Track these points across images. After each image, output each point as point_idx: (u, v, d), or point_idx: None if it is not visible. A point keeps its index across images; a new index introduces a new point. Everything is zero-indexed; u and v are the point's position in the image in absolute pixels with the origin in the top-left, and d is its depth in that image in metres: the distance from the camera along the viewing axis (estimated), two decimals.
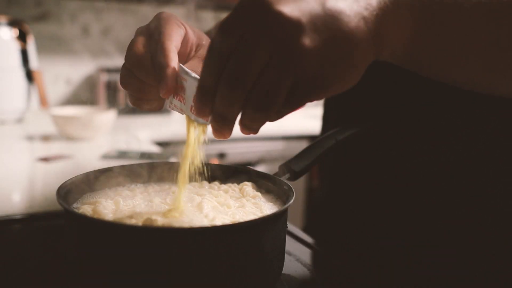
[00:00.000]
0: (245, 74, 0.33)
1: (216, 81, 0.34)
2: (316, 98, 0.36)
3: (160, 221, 0.40)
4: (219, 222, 0.42)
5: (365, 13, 0.36)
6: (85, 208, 0.45)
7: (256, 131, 0.37)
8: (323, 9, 0.34)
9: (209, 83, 0.35)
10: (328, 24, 0.34)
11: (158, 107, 0.47)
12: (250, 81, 0.33)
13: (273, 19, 0.32)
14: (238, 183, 0.55)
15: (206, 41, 0.49)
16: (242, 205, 0.47)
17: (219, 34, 0.34)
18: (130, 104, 0.52)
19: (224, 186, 0.54)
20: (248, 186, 0.53)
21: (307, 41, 0.33)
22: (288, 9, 0.32)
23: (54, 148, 1.20)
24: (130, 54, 0.44)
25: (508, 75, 0.42)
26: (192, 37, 0.48)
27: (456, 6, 0.39)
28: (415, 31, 0.39)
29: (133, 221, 0.42)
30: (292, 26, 0.32)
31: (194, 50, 0.48)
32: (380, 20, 0.37)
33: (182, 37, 0.46)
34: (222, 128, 0.37)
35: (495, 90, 0.46)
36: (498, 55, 0.41)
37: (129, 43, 0.46)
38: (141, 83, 0.45)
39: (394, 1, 0.38)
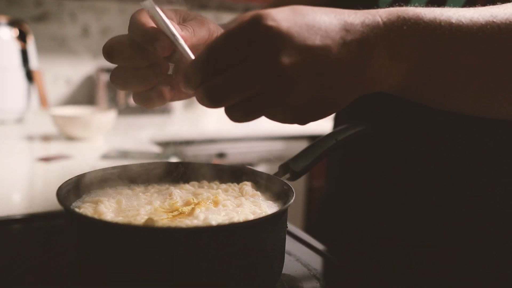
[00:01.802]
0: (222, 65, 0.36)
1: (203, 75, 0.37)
2: (271, 114, 0.37)
3: (161, 221, 0.40)
4: (218, 221, 0.42)
5: (356, 53, 0.36)
6: (86, 208, 0.45)
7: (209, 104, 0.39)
8: (315, 33, 0.35)
9: (197, 74, 0.38)
10: (314, 50, 0.34)
11: (159, 100, 0.46)
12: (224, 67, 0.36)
13: (263, 31, 0.34)
14: (238, 183, 0.55)
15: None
16: (241, 203, 0.47)
17: (221, 41, 0.35)
18: (133, 102, 0.54)
19: (223, 186, 0.54)
20: (247, 186, 0.53)
21: (285, 58, 0.34)
22: (278, 25, 0.34)
23: (54, 148, 1.20)
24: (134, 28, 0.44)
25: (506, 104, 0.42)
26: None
27: (451, 42, 0.38)
28: (416, 67, 0.38)
29: (135, 221, 0.42)
30: (276, 41, 0.34)
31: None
32: (379, 51, 0.37)
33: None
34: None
35: (498, 116, 0.45)
36: (497, 81, 0.40)
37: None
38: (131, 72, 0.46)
39: (389, 45, 0.37)
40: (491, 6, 0.41)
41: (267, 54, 0.34)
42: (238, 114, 0.38)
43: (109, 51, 0.45)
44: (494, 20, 0.39)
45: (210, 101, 0.38)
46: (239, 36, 0.34)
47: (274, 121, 0.39)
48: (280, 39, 0.34)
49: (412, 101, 0.44)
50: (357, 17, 0.37)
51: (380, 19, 0.37)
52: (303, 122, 0.38)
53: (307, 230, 0.70)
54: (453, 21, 0.38)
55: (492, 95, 0.41)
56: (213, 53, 0.35)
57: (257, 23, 0.34)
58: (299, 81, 0.34)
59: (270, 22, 0.33)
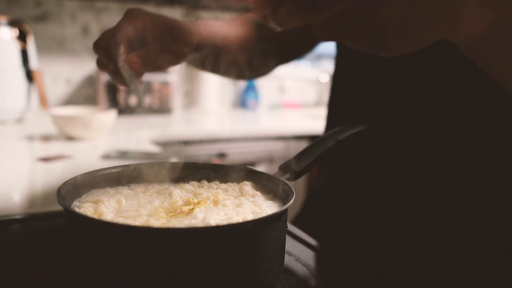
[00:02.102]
0: None
1: None
2: (357, 34, 0.37)
3: (160, 221, 0.40)
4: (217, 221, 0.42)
5: None
6: (86, 207, 0.45)
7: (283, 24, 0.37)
8: None
9: None
10: None
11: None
12: None
13: None
14: (238, 183, 0.55)
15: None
16: (241, 203, 0.47)
17: None
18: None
19: (223, 185, 0.54)
20: (247, 186, 0.53)
21: None
22: None
23: (54, 148, 1.20)
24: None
25: None
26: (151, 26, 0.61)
27: None
28: (495, 26, 0.39)
29: (134, 221, 0.42)
30: None
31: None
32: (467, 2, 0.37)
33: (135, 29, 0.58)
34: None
35: None
36: None
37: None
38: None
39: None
40: None
41: None
42: (326, 29, 0.36)
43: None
44: None
45: (304, 12, 0.35)
46: None
47: (356, 47, 0.38)
48: None
49: (479, 65, 0.44)
50: None
51: None
52: (385, 48, 0.38)
53: (297, 225, 0.69)
54: None
55: None
56: None
57: None
58: (390, 1, 0.35)
59: None
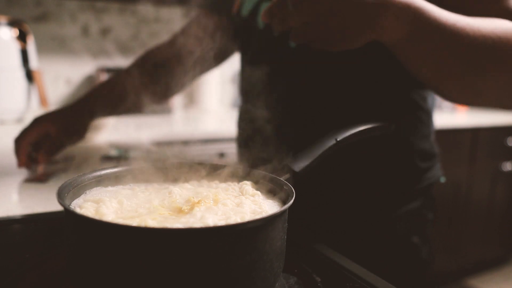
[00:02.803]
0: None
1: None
2: (315, 35, 0.59)
3: (158, 221, 0.40)
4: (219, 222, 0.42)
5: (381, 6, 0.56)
6: (87, 207, 0.45)
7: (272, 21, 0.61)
8: None
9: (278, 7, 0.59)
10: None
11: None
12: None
13: None
14: (238, 182, 0.55)
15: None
16: (241, 202, 0.47)
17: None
18: None
19: (223, 185, 0.54)
20: (247, 185, 0.53)
21: (329, 3, 0.56)
22: None
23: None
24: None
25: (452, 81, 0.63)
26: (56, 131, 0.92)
27: (441, 33, 0.58)
28: (407, 35, 0.58)
29: (135, 221, 0.42)
30: None
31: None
32: (387, 16, 0.57)
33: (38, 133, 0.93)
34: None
35: (439, 88, 0.66)
36: (460, 73, 0.61)
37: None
38: None
39: (405, 7, 0.57)
40: (474, 18, 0.60)
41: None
42: (300, 33, 0.59)
43: None
44: (467, 26, 0.59)
45: (283, 21, 0.59)
46: None
47: (317, 46, 0.60)
48: None
49: (402, 61, 0.64)
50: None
51: None
52: (335, 45, 0.59)
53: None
54: (439, 15, 0.58)
55: (448, 74, 0.62)
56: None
57: None
58: (335, 15, 0.56)
59: None
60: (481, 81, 0.61)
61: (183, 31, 1.04)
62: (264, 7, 0.78)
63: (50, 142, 0.93)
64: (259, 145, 0.65)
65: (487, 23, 0.60)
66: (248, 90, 0.91)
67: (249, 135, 0.76)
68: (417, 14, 0.57)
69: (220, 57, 1.02)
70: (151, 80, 0.99)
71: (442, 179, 0.87)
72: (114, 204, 0.46)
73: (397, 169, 0.79)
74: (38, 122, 0.92)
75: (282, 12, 0.58)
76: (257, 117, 0.75)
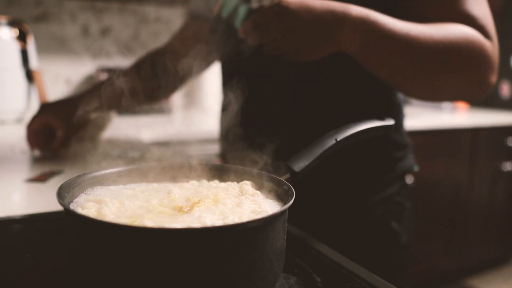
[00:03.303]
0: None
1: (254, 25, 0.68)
2: (285, 49, 0.68)
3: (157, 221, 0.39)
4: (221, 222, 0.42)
5: (336, 20, 0.66)
6: (89, 208, 0.45)
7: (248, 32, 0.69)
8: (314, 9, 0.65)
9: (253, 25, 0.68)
10: (314, 17, 0.65)
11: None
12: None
13: (282, 6, 0.65)
14: (238, 182, 0.55)
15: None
16: (241, 202, 0.47)
17: (263, 13, 0.66)
18: None
19: (223, 184, 0.54)
20: (247, 185, 0.53)
21: (291, 21, 0.65)
22: (288, 4, 0.65)
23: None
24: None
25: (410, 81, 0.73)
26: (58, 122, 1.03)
27: (395, 42, 0.67)
28: (364, 46, 0.67)
29: (134, 221, 0.42)
30: (286, 12, 0.64)
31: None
32: (345, 30, 0.66)
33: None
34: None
35: (400, 87, 0.76)
36: (411, 66, 0.70)
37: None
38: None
39: (360, 22, 0.66)
40: (428, 26, 0.69)
41: (283, 18, 0.64)
42: (271, 48, 0.68)
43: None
44: (420, 34, 0.67)
45: (258, 35, 0.68)
46: (270, 9, 0.65)
47: (287, 57, 0.69)
48: (289, 11, 0.64)
49: (364, 66, 0.72)
50: (339, 6, 0.65)
51: (352, 12, 0.66)
52: (301, 57, 0.68)
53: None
54: (393, 26, 0.67)
55: (405, 76, 0.71)
56: (257, 18, 0.66)
57: (279, 2, 0.65)
58: (300, 31, 0.65)
59: (284, 3, 0.65)
60: (436, 80, 0.70)
61: (175, 36, 1.14)
62: (242, 9, 0.87)
63: (53, 131, 1.03)
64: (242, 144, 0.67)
65: (441, 29, 0.68)
66: (229, 90, 0.95)
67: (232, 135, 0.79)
68: (372, 27, 0.65)
69: (208, 60, 1.09)
70: (143, 80, 1.06)
71: (415, 168, 0.93)
72: (116, 204, 0.46)
73: (373, 159, 0.86)
74: (40, 111, 1.05)
75: (255, 30, 0.67)
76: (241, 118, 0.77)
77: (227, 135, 0.92)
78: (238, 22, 0.86)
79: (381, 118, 0.65)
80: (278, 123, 0.85)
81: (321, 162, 0.76)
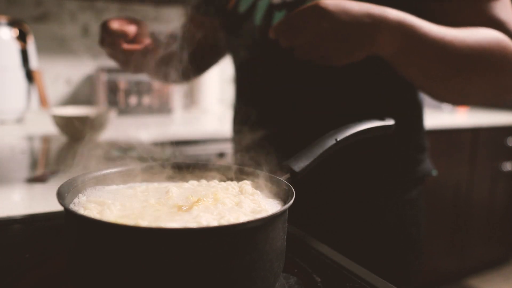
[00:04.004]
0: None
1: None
2: (321, 51, 0.66)
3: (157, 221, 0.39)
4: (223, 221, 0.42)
5: (373, 23, 0.65)
6: (91, 209, 0.45)
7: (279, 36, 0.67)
8: (353, 12, 0.64)
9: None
10: (352, 21, 0.64)
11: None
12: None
13: (319, 8, 0.63)
14: (237, 182, 0.55)
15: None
16: (240, 201, 0.47)
17: (301, 12, 0.65)
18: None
19: (223, 184, 0.54)
20: (247, 185, 0.53)
21: (328, 22, 0.63)
22: (327, 5, 0.63)
23: (54, 148, 1.20)
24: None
25: (451, 89, 0.72)
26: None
27: (430, 46, 0.66)
28: (400, 49, 0.66)
29: (132, 221, 0.42)
30: (325, 13, 0.63)
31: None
32: (382, 33, 0.65)
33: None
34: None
35: (432, 92, 0.74)
36: (445, 72, 0.69)
37: None
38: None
39: (397, 25, 0.65)
40: (460, 30, 0.68)
41: (322, 21, 0.63)
42: (303, 52, 0.66)
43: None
44: (454, 38, 0.67)
45: (290, 38, 0.66)
46: (308, 10, 0.64)
47: (320, 62, 0.67)
48: (327, 12, 0.63)
49: (399, 71, 0.71)
50: (376, 9, 0.65)
51: (389, 15, 0.65)
52: (335, 61, 0.66)
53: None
54: (428, 30, 0.66)
55: (437, 80, 0.70)
56: (293, 19, 0.65)
57: (316, 4, 0.63)
58: (336, 35, 0.64)
59: (322, 4, 0.63)
60: (468, 85, 0.70)
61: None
62: (262, 4, 0.82)
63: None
64: (254, 145, 0.66)
65: (473, 33, 0.68)
66: (243, 88, 0.94)
67: (243, 135, 0.78)
68: (409, 30, 0.65)
69: (215, 56, 1.06)
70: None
71: (434, 172, 0.92)
72: (116, 204, 0.46)
73: (395, 160, 0.84)
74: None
75: (289, 31, 0.65)
76: (252, 117, 0.77)
77: (239, 134, 0.92)
78: (257, 18, 0.84)
79: (381, 118, 0.65)
80: (293, 124, 0.83)
81: (337, 161, 0.77)
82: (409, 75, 0.71)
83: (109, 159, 1.06)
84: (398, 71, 0.71)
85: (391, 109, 0.82)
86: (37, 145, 1.26)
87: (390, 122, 0.64)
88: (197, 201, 0.46)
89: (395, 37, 0.65)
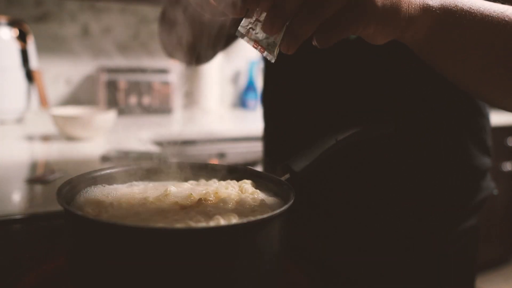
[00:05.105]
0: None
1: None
2: (357, 23, 0.43)
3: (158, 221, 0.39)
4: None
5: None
6: (90, 209, 0.45)
7: (297, 41, 0.43)
8: None
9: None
10: None
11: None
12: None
13: None
14: (237, 181, 0.55)
15: None
16: (240, 200, 0.47)
17: None
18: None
19: (222, 183, 0.54)
20: (247, 184, 0.53)
21: None
22: None
23: (54, 148, 1.20)
24: None
25: (494, 84, 0.52)
26: None
27: (473, 16, 0.48)
28: (437, 22, 0.47)
29: (134, 221, 0.42)
30: None
31: None
32: (415, 8, 0.46)
33: None
34: (273, 21, 0.42)
35: (479, 94, 0.56)
36: (492, 61, 0.50)
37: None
38: None
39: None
40: (501, 4, 0.50)
41: None
42: (331, 27, 0.43)
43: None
44: (503, 13, 0.49)
45: (314, 16, 0.42)
46: None
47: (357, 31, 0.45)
48: None
49: (428, 63, 0.53)
50: None
51: None
52: (372, 38, 0.46)
53: None
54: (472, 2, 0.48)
55: (482, 73, 0.51)
56: None
57: None
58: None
59: None
60: None
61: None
62: None
63: None
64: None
65: None
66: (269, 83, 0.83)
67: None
68: (446, 2, 0.48)
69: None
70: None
71: (495, 192, 0.75)
72: (117, 205, 0.46)
73: (454, 186, 0.68)
74: None
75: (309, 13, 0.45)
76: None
77: (270, 136, 0.83)
78: None
79: (382, 118, 0.65)
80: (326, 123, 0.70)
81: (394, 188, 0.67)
82: (449, 71, 0.53)
83: (109, 159, 1.06)
84: (435, 67, 0.54)
85: (448, 116, 0.67)
86: (37, 145, 1.26)
87: (390, 122, 0.64)
88: (199, 201, 0.46)
89: (427, 14, 0.47)
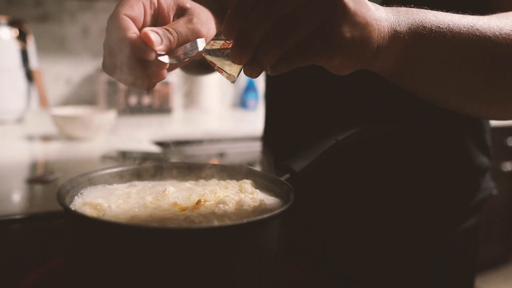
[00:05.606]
0: (278, 8, 0.38)
1: (251, 7, 0.39)
2: (322, 54, 0.40)
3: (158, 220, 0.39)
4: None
5: (377, 24, 0.42)
6: (90, 209, 0.45)
7: (262, 67, 0.40)
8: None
9: (244, 8, 0.39)
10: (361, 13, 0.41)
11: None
12: (280, 14, 0.38)
13: None
14: (237, 181, 0.55)
15: (190, 4, 0.52)
16: (240, 200, 0.47)
17: None
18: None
19: (222, 183, 0.54)
20: (247, 184, 0.53)
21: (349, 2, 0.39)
22: None
23: (54, 148, 1.20)
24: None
25: (475, 97, 0.50)
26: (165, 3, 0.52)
27: (443, 35, 0.46)
28: (406, 48, 0.45)
29: (134, 221, 0.42)
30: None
31: (170, 12, 0.52)
32: (383, 37, 0.43)
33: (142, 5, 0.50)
34: (242, 50, 0.39)
35: (462, 109, 0.54)
36: (468, 76, 0.48)
37: None
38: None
39: (396, 22, 0.44)
40: (471, 16, 0.48)
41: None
42: (303, 52, 0.40)
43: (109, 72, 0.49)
44: (473, 27, 0.47)
45: (282, 41, 0.39)
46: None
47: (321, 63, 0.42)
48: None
49: (401, 86, 0.51)
50: (384, 11, 0.44)
51: (397, 26, 0.45)
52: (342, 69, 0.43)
53: None
54: (447, 20, 0.47)
55: (460, 89, 0.49)
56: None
57: None
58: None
59: None
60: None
61: None
62: None
63: None
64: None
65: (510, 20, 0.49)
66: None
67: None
68: (414, 23, 0.46)
69: None
70: None
71: (495, 191, 0.75)
72: (115, 204, 0.46)
73: (455, 185, 0.68)
74: None
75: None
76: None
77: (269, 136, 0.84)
78: None
79: (382, 118, 0.65)
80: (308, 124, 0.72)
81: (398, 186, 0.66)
82: (425, 93, 0.52)
83: (109, 159, 1.06)
84: (410, 90, 0.51)
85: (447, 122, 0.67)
86: (37, 145, 1.26)
87: (390, 123, 0.64)
88: (198, 202, 0.46)
89: (396, 42, 0.45)
